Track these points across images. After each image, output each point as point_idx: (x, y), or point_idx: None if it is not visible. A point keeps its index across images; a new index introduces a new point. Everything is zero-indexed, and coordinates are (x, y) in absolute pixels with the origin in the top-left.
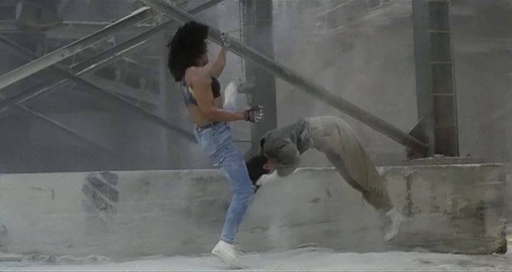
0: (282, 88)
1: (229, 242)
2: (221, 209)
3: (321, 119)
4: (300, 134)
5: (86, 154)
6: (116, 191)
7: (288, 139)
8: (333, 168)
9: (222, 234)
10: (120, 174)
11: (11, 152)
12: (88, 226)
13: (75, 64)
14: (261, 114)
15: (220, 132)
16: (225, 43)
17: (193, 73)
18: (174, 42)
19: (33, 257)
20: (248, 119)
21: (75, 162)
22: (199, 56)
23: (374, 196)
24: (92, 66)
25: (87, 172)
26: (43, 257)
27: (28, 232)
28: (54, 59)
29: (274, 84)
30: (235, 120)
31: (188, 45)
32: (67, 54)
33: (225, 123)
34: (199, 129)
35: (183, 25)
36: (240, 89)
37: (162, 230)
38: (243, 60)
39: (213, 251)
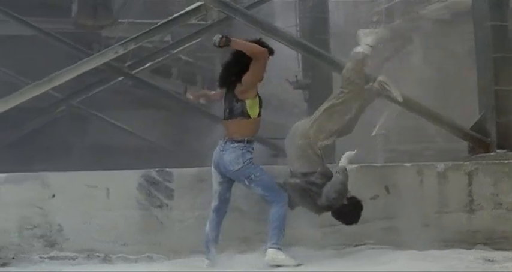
0: (340, 84)
1: (279, 249)
2: None
3: (301, 156)
4: (318, 178)
5: (143, 152)
6: (172, 189)
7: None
8: (391, 164)
9: (271, 243)
10: (176, 171)
11: (68, 151)
12: (143, 224)
13: (130, 62)
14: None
15: (249, 151)
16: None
17: (243, 91)
18: (234, 56)
19: (88, 255)
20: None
21: (131, 160)
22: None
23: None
24: (147, 64)
25: (142, 170)
26: (98, 256)
27: (83, 230)
28: (108, 56)
29: (331, 79)
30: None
31: (244, 63)
32: (121, 51)
33: (253, 146)
34: (228, 142)
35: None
36: (297, 86)
37: None
38: (300, 55)
39: (268, 263)
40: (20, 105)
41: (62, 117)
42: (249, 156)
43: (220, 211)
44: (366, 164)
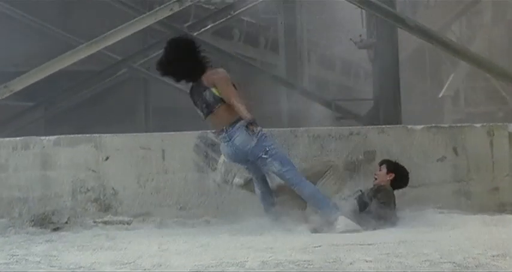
0: (405, 43)
1: (340, 215)
2: (341, 170)
3: None
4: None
5: None
6: None
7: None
8: (459, 124)
9: (329, 217)
10: None
11: (129, 114)
12: (200, 187)
13: (190, 23)
14: (257, 128)
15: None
16: None
17: (211, 73)
18: (178, 52)
19: (143, 219)
20: (250, 124)
21: (192, 123)
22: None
23: None
24: (209, 26)
25: (199, 132)
26: (154, 220)
27: (138, 193)
28: (163, 13)
29: (397, 38)
30: (245, 117)
31: (198, 54)
32: (176, 9)
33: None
34: (229, 128)
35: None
36: (361, 45)
37: None
38: (364, 14)
39: (340, 232)
40: (81, 69)
41: (123, 80)
42: (257, 128)
43: (261, 187)
44: (433, 125)
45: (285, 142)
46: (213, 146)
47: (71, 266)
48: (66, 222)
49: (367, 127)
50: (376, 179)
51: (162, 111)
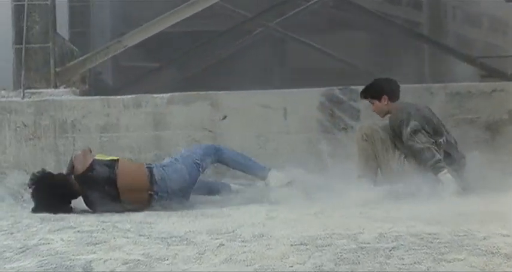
0: None
1: (269, 171)
2: (482, 129)
3: None
4: None
5: (340, 74)
6: (357, 109)
7: None
8: None
9: (263, 172)
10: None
11: (266, 75)
12: (325, 148)
13: None
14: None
15: (165, 165)
16: None
17: (76, 163)
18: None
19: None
20: None
21: (328, 82)
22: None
23: None
24: None
25: (324, 88)
26: None
27: (258, 155)
28: None
29: None
30: None
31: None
32: None
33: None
34: (154, 185)
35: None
36: None
37: None
38: None
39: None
40: (211, 28)
41: (259, 40)
42: (166, 161)
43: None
44: None
45: (418, 100)
46: (340, 104)
47: (162, 236)
48: None
49: None
50: (381, 117)
51: (299, 70)
